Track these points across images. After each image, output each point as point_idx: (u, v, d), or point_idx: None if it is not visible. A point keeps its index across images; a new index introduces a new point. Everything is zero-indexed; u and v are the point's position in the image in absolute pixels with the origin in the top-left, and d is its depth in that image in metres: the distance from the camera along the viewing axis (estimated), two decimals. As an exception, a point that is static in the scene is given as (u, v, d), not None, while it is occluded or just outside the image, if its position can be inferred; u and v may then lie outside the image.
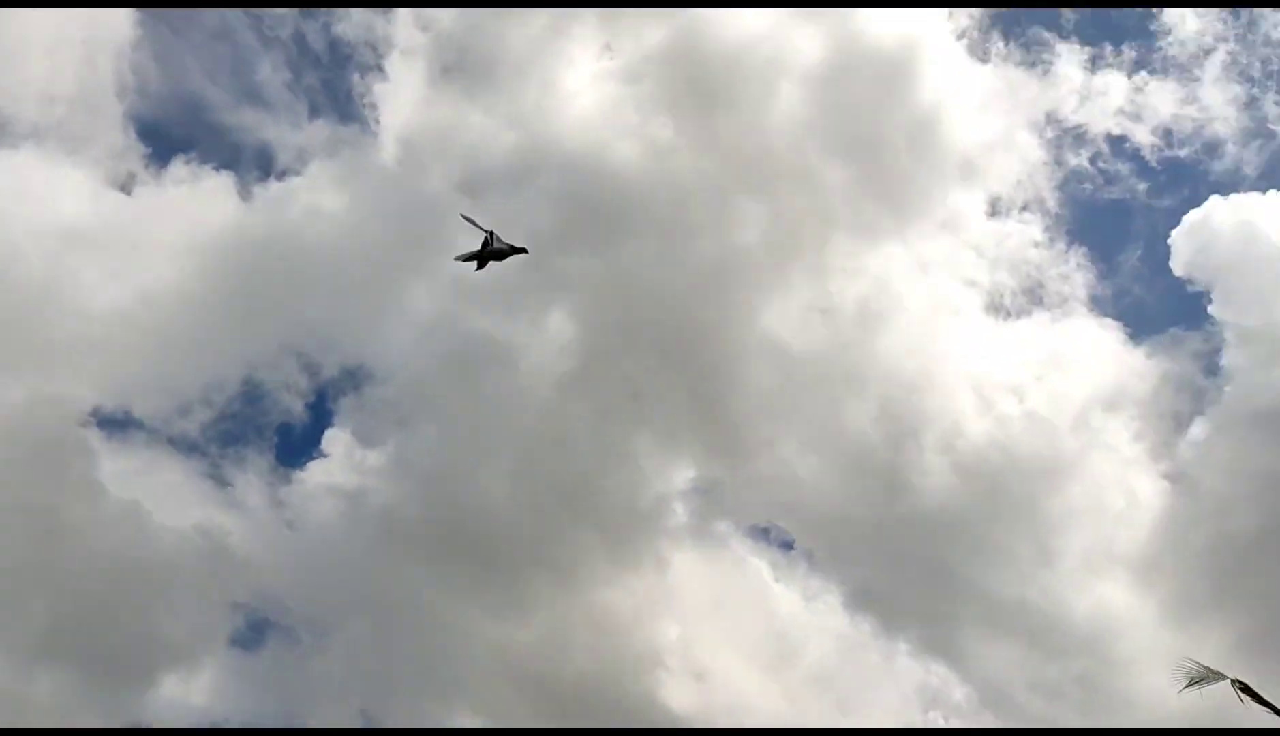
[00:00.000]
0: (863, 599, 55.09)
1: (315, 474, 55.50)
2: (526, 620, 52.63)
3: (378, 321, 59.51)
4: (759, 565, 58.75)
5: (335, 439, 56.80)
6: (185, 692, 46.68)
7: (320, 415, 62.95)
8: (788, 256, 59.16)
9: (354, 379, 60.90)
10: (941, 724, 49.02)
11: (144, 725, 44.63)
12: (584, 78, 58.31)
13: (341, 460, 55.01)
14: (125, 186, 52.23)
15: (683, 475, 57.07)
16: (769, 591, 57.00)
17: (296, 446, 61.40)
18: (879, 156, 60.53)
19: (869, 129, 59.97)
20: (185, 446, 53.64)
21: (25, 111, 51.05)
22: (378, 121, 59.52)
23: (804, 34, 59.22)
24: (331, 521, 52.46)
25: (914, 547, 52.00)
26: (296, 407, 55.64)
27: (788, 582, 59.75)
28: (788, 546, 62.42)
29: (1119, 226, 65.82)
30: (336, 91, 60.36)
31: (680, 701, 49.99)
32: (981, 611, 50.39)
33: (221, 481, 54.03)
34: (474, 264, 15.47)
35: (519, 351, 55.35)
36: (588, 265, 55.98)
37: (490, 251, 15.58)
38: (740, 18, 55.68)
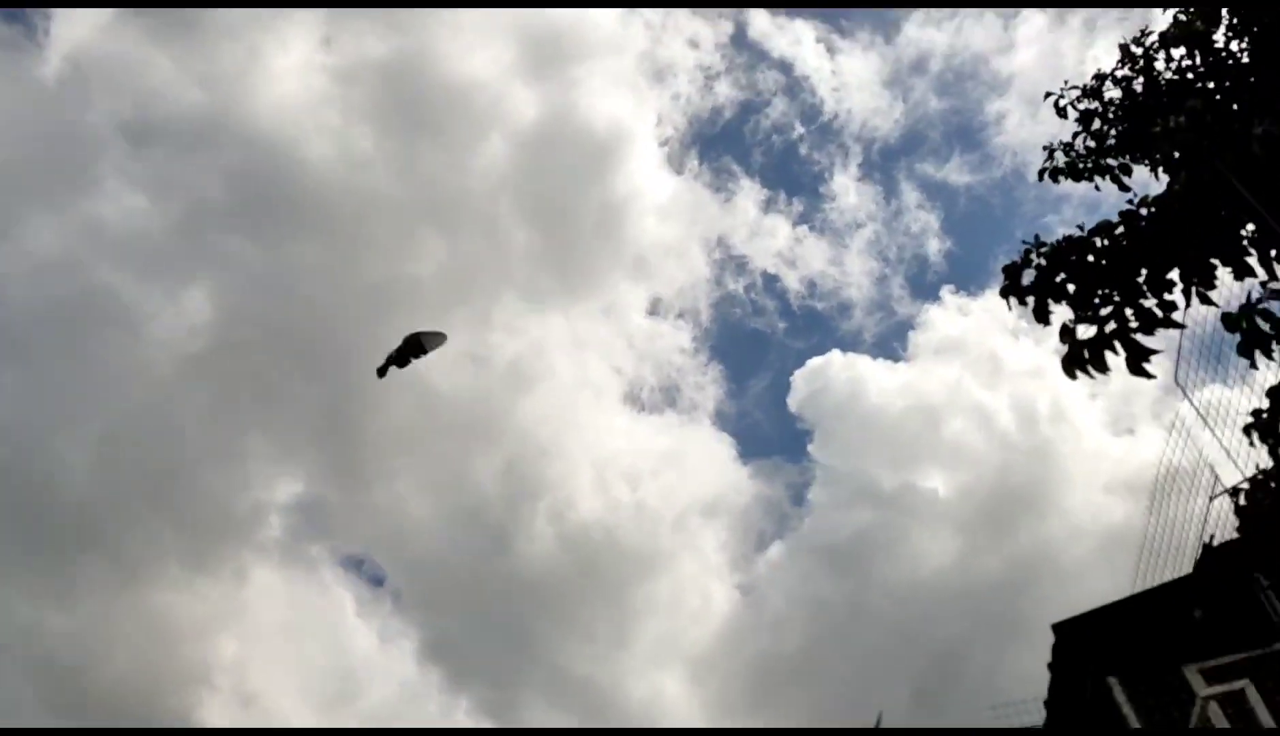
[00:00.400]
0: (438, 649, 54.98)
1: None
2: (69, 606, 47.36)
3: (-16, 243, 48.69)
4: (344, 596, 57.89)
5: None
6: None
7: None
8: (456, 298, 58.65)
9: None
10: None
11: None
12: (295, 63, 57.10)
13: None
14: None
15: (289, 488, 55.25)
16: (346, 625, 55.71)
17: None
18: (565, 230, 62.09)
19: (562, 202, 61.28)
20: None
21: None
22: (47, 32, 56.03)
23: (525, 95, 58.55)
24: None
25: (503, 608, 52.73)
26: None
27: (368, 619, 59.99)
28: (378, 582, 62.46)
29: (755, 355, 67.47)
30: (6, -17, 46.59)
31: (217, 724, 45.61)
32: (548, 682, 51.64)
33: None
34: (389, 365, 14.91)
35: (144, 319, 51.89)
36: (247, 251, 53.10)
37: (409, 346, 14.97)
38: (470, 58, 56.16)
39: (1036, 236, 13.19)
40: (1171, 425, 11.01)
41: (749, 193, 66.45)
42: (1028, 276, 13.98)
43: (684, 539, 60.30)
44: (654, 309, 66.90)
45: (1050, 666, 10.92)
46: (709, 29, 59.54)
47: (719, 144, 67.24)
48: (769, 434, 72.29)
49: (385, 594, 58.82)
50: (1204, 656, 9.21)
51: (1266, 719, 8.02)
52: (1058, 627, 10.67)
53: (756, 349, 70.52)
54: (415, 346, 14.44)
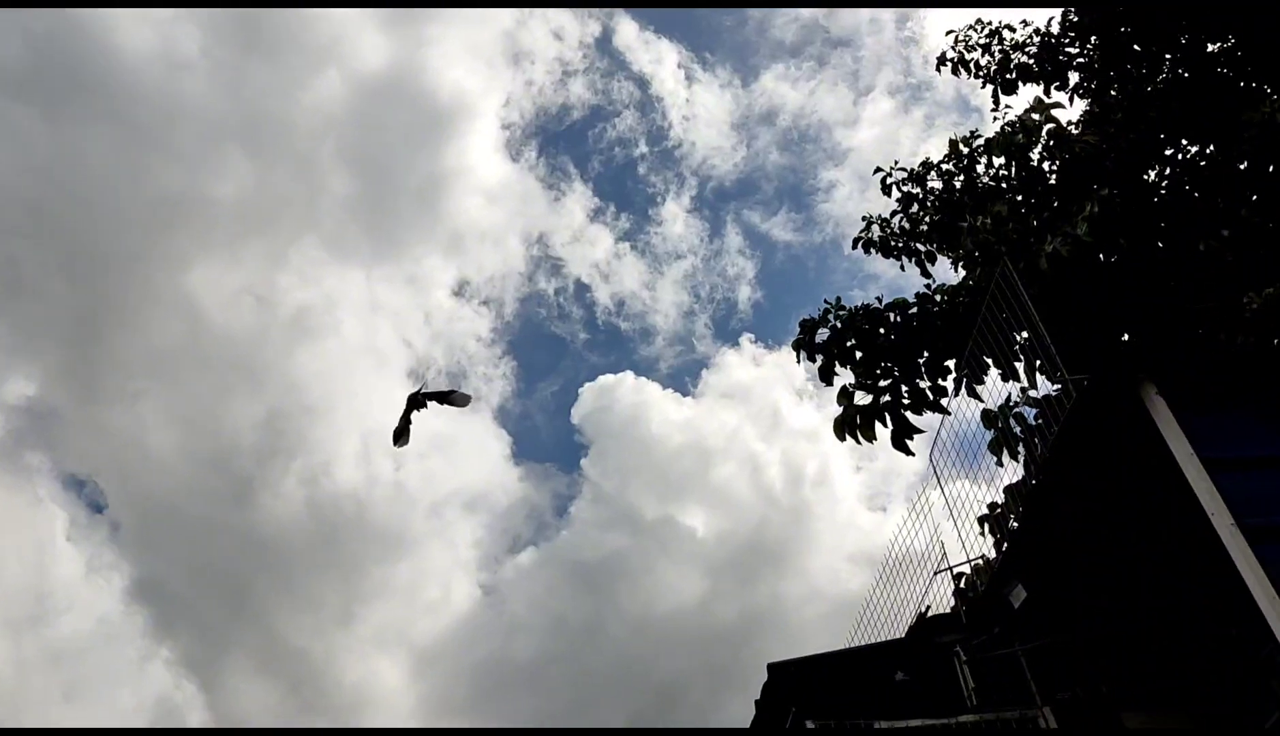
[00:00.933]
0: (150, 590, 50.29)
1: None
2: None
3: None
4: (56, 514, 51.41)
5: None
6: None
7: None
8: (253, 230, 53.22)
9: None
10: None
11: None
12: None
13: None
14: None
15: (19, 387, 48.33)
16: (53, 546, 49.84)
17: None
18: (385, 189, 56.60)
19: (388, 160, 56.10)
20: None
21: None
22: None
23: (376, 40, 53.87)
24: None
25: (230, 562, 49.38)
26: None
27: (79, 544, 55.01)
28: (97, 508, 54.51)
29: (550, 359, 70.11)
30: None
31: None
32: (262, 647, 49.84)
33: None
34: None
35: None
36: (33, 124, 46.64)
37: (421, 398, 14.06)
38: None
39: (838, 299, 13.76)
40: (915, 501, 11.65)
41: (580, 197, 66.42)
42: (822, 334, 14.51)
43: (437, 527, 59.21)
44: (460, 290, 65.54)
45: (757, 702, 11.30)
46: (576, 25, 59.39)
47: (561, 142, 66.76)
48: (547, 440, 71.90)
49: (103, 522, 54.53)
50: (896, 716, 9.74)
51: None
52: (772, 667, 11.06)
53: (553, 353, 70.21)
54: (419, 402, 13.53)
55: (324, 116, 52.07)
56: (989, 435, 12.86)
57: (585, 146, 64.26)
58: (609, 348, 68.91)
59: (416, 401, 14.22)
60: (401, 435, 13.83)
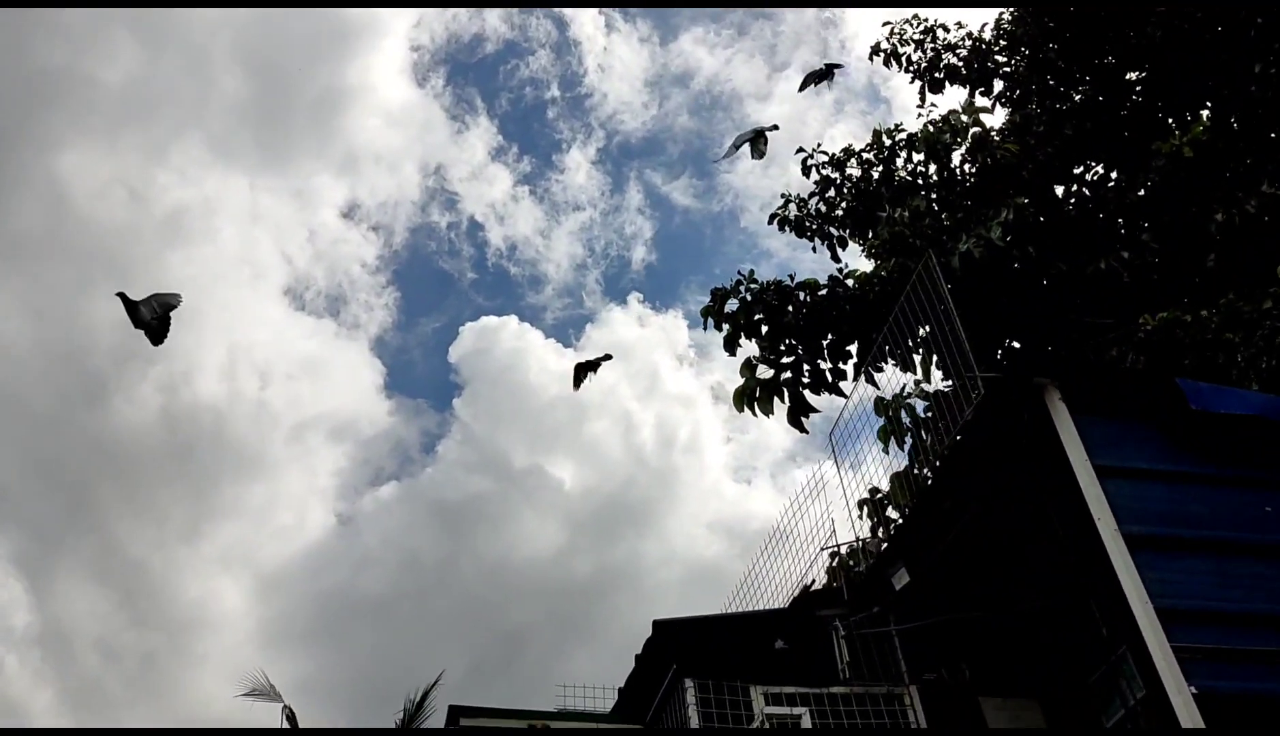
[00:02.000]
0: None
1: None
2: None
3: None
4: None
5: None
6: None
7: None
8: (133, 119, 50.21)
9: None
10: None
11: None
12: None
13: None
14: None
15: None
16: None
17: None
18: (279, 93, 54.02)
19: (288, 62, 53.58)
20: None
21: None
22: None
23: None
24: None
25: (73, 463, 46.98)
26: None
27: None
28: None
29: (436, 295, 70.17)
30: None
31: None
32: (99, 554, 47.66)
33: None
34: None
35: None
36: None
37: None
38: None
39: (750, 271, 13.88)
40: (811, 479, 11.96)
41: (484, 133, 64.43)
42: (731, 305, 14.67)
43: (298, 452, 57.78)
44: (349, 213, 63.40)
45: (638, 657, 11.49)
46: (499, -50, 57.76)
47: (470, 73, 64.94)
48: (422, 376, 70.61)
49: (-69, 409, 51.66)
50: (773, 682, 10.06)
51: (814, 746, 9.03)
52: (657, 623, 11.25)
53: (439, 289, 68.89)
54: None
55: (224, 12, 49.55)
56: (879, 422, 13.27)
57: (495, 82, 62.59)
58: (496, 290, 67.92)
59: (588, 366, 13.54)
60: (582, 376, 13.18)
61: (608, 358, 13.35)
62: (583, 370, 13.19)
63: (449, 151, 60.19)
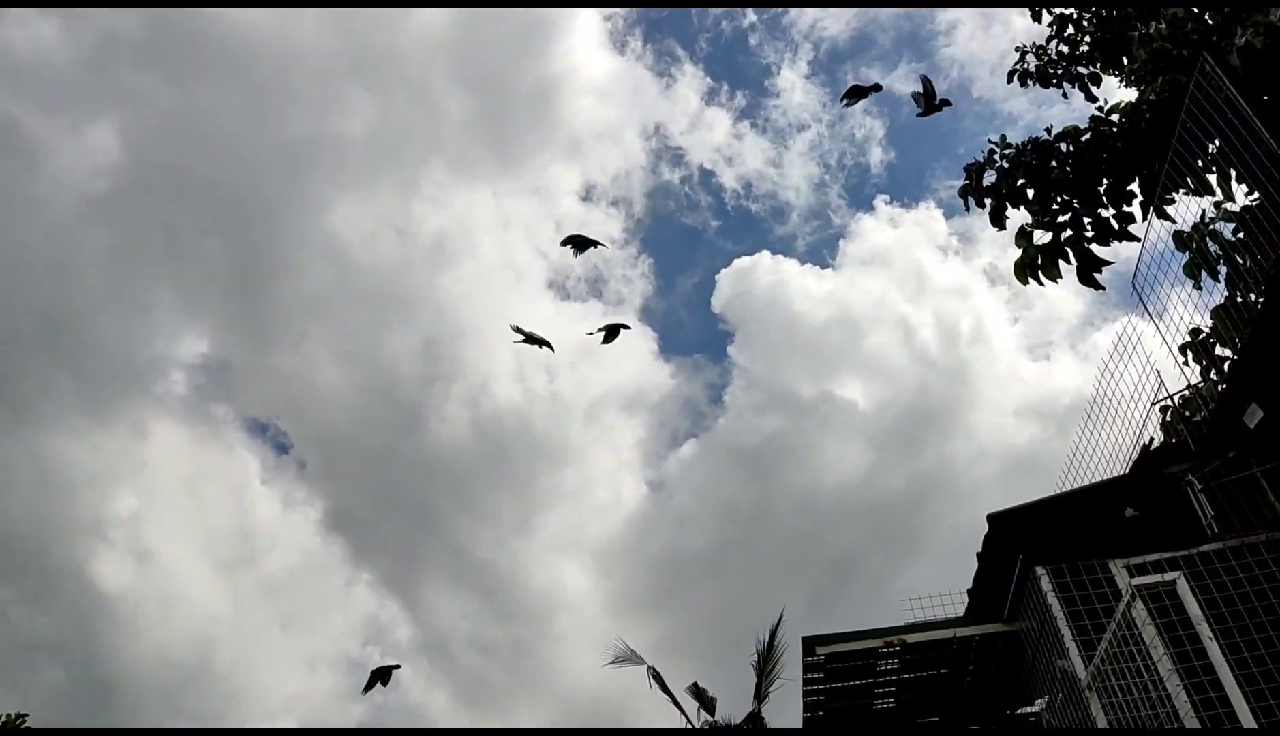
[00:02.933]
0: (342, 521, 54.21)
1: None
2: None
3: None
4: (247, 459, 56.49)
5: None
6: None
7: None
8: (382, 164, 55.16)
9: None
10: (377, 660, 48.54)
11: None
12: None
13: None
14: None
15: (193, 346, 52.35)
16: (249, 488, 55.25)
17: None
18: (498, 102, 57.68)
19: (498, 72, 57.83)
20: None
21: None
22: None
23: None
24: None
25: (409, 486, 52.64)
26: None
27: (272, 485, 59.53)
28: (283, 449, 59.42)
29: (686, 251, 67.25)
30: None
31: (111, 578, 46.04)
32: (451, 562, 52.91)
33: None
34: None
35: (46, 152, 48.65)
36: (161, 91, 49.11)
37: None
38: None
39: (1002, 137, 13.07)
40: (1120, 336, 11.13)
41: (691, 81, 64.78)
42: (989, 178, 13.84)
43: (597, 431, 60.60)
44: (587, 194, 65.42)
45: (979, 556, 11.12)
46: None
47: (665, 25, 65.07)
48: (692, 332, 72.18)
49: (290, 461, 58.14)
50: (1133, 553, 9.45)
51: (1196, 610, 8.30)
52: (992, 517, 10.87)
53: (688, 245, 69.74)
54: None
55: (430, 40, 52.40)
56: (1183, 257, 12.21)
57: (690, 27, 62.41)
58: (742, 231, 68.10)
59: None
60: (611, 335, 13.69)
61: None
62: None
63: (663, 108, 60.71)
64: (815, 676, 12.17)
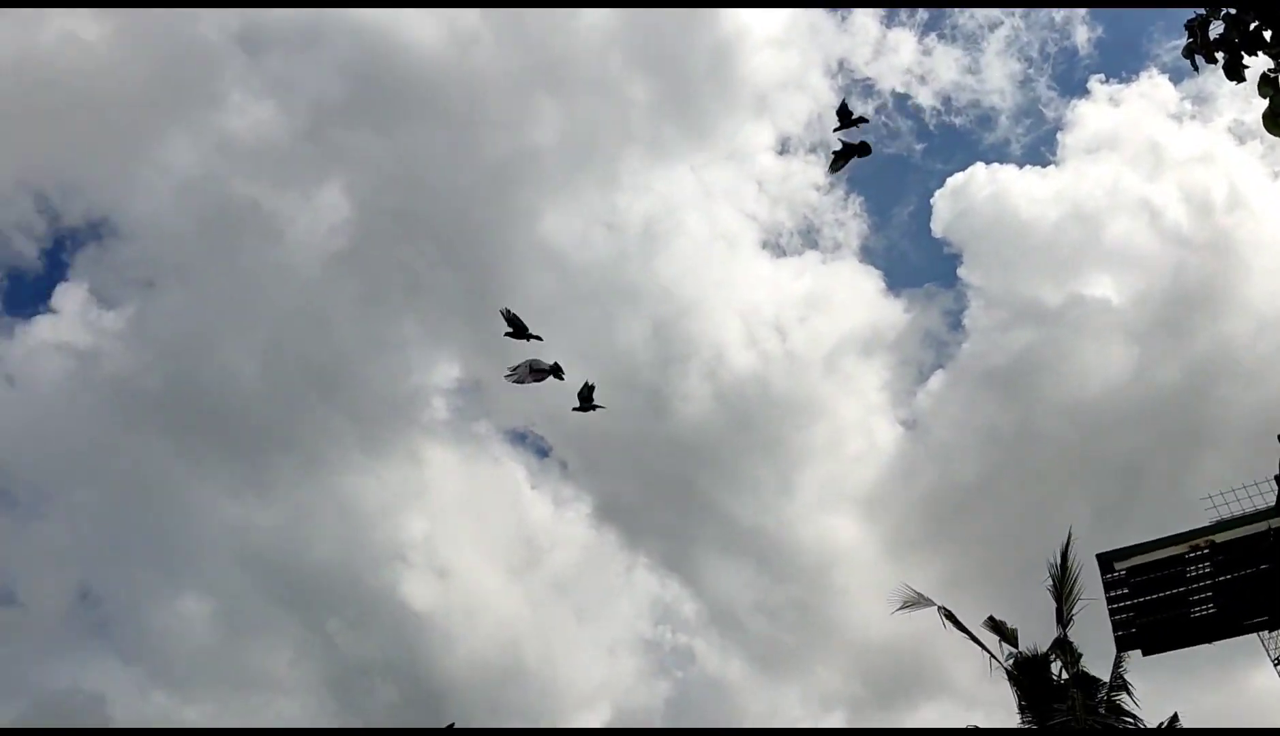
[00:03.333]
0: (611, 511, 55.86)
1: (42, 329, 54.31)
2: (268, 502, 51.56)
3: (131, 171, 57.12)
4: (514, 469, 60.59)
5: (68, 294, 55.32)
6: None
7: (55, 266, 59.27)
8: (580, 164, 57.62)
9: (97, 231, 58.20)
10: (670, 638, 52.33)
11: None
12: (389, -56, 48.78)
13: (73, 317, 53.46)
14: None
15: (446, 371, 55.57)
16: (521, 495, 57.56)
17: (24, 296, 58.29)
18: (678, 78, 58.28)
19: (671, 48, 57.53)
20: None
21: None
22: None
23: None
24: (58, 381, 50.71)
25: (666, 467, 52.80)
26: (29, 253, 52.50)
27: (540, 489, 61.76)
28: (543, 453, 62.57)
29: (894, 182, 61.45)
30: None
31: (419, 597, 49.89)
32: (720, 534, 52.27)
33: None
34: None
35: (286, 223, 52.92)
36: (371, 144, 52.41)
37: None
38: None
39: (1225, -21, 11.85)
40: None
41: (867, 9, 62.85)
42: (1215, 28, 12.65)
43: (840, 382, 59.94)
44: (783, 148, 64.58)
45: (1285, 437, 10.25)
46: None
47: (831, -40, 63.14)
48: (917, 262, 69.85)
49: (553, 463, 61.27)
50: None
51: None
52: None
53: (895, 176, 67.58)
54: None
55: (602, 32, 53.58)
56: None
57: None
58: (949, 149, 65.44)
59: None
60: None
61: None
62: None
63: (843, 42, 59.21)
64: (1119, 593, 11.61)
